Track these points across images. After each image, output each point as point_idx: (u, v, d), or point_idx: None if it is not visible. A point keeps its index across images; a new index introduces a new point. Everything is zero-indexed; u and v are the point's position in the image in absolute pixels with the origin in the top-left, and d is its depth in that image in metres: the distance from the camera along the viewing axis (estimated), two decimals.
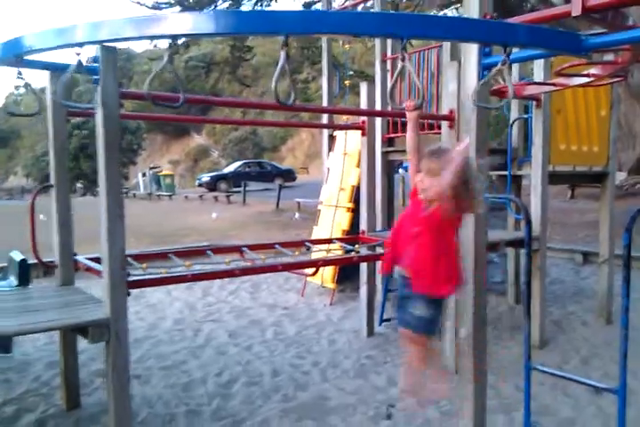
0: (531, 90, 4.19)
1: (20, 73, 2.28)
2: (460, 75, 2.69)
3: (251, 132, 38.04)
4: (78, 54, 2.06)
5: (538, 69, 4.55)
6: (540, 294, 4.72)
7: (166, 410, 3.60)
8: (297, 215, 13.79)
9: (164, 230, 12.30)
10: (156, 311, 5.95)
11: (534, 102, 4.71)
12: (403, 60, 1.92)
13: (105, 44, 2.45)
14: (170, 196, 23.11)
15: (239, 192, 19.74)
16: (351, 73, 8.10)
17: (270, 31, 1.92)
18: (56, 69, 2.96)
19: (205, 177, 27.33)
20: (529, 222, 2.64)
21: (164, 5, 13.06)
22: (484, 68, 2.55)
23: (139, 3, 13.33)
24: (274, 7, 14.87)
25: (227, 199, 19.44)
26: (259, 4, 14.66)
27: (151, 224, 13.10)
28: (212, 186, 25.82)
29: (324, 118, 6.74)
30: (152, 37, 2.23)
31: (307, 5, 14.31)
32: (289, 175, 27.74)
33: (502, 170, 5.42)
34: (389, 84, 1.96)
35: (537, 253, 4.65)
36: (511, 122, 5.48)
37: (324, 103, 6.87)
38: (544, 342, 4.74)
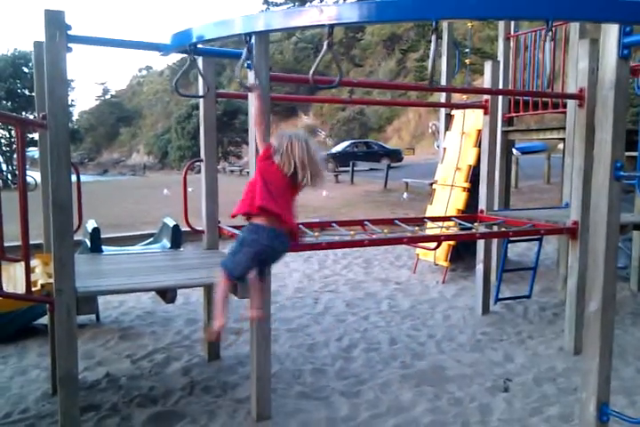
0: None
1: (194, 59, 2.58)
2: (596, 53, 2.67)
3: (358, 113, 38.08)
4: (247, 43, 2.32)
5: None
6: None
7: (294, 366, 3.95)
8: (405, 195, 13.81)
9: None
10: (276, 280, 6.36)
11: None
12: (545, 40, 2.04)
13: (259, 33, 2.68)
14: None
15: (347, 172, 19.99)
16: (466, 51, 7.95)
17: (418, 18, 2.07)
18: (216, 56, 3.28)
19: None
20: None
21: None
22: (625, 47, 2.54)
23: None
24: None
25: (335, 178, 19.77)
26: None
27: None
28: None
29: (442, 97, 6.74)
30: (299, 28, 2.46)
31: None
32: (395, 156, 27.51)
33: (631, 150, 5.22)
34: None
35: None
36: None
37: (443, 82, 6.86)
38: None
